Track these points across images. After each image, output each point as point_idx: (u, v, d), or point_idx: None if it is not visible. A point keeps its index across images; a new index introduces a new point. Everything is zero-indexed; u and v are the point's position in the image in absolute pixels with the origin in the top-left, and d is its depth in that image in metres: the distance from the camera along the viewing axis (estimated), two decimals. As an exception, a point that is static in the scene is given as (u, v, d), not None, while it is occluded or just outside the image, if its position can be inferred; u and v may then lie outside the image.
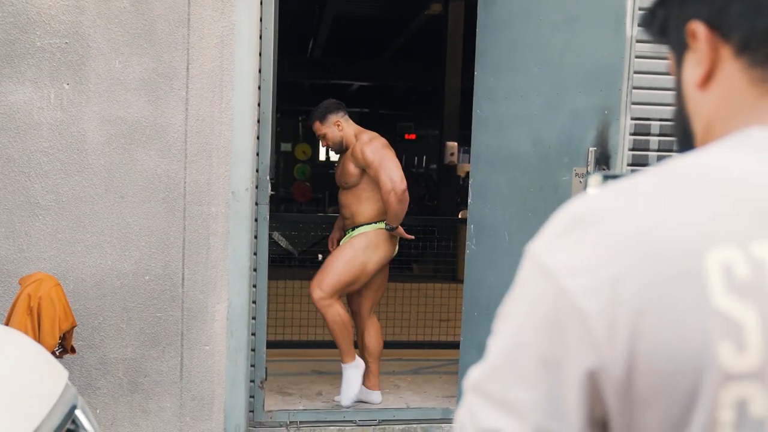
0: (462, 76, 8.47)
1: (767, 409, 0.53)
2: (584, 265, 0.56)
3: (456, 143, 8.67)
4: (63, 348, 2.77)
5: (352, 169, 3.70)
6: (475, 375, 0.61)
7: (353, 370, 3.71)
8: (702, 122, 0.67)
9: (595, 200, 0.59)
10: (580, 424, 0.56)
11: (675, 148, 0.74)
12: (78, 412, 1.57)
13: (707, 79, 0.65)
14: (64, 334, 2.74)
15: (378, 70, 12.02)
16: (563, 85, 2.82)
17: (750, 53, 0.62)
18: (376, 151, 3.60)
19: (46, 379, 1.58)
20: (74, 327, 2.82)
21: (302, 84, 12.77)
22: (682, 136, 0.71)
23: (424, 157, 15.12)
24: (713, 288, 0.53)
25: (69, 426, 1.51)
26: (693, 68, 0.66)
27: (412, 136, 15.64)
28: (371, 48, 11.11)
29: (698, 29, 0.64)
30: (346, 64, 11.76)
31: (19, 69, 3.00)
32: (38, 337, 2.60)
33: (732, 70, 0.63)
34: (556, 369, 0.56)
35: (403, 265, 6.67)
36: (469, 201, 3.42)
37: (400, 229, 3.70)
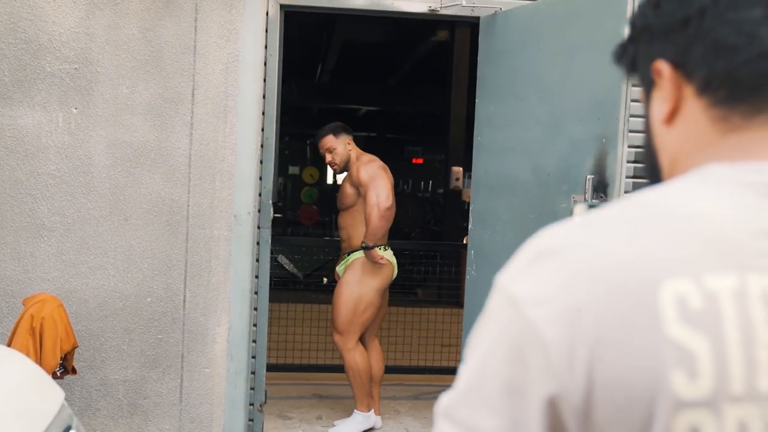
0: (467, 102, 8.54)
1: None
2: (547, 296, 0.58)
3: (461, 168, 8.71)
4: (64, 368, 2.80)
5: (348, 189, 3.76)
6: (445, 401, 0.64)
7: (361, 419, 3.72)
8: (667, 157, 0.69)
9: (560, 233, 0.62)
10: None
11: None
12: (73, 432, 1.59)
13: (672, 116, 0.67)
14: (65, 355, 2.77)
15: (385, 95, 12.12)
16: (562, 113, 2.85)
17: (710, 93, 0.65)
18: (371, 171, 3.68)
19: (42, 399, 1.60)
20: (75, 348, 2.85)
21: (310, 108, 12.89)
22: (650, 169, 0.74)
23: (431, 182, 15.17)
24: (667, 318, 0.56)
25: (64, 446, 1.53)
26: (659, 105, 0.68)
27: (420, 161, 15.71)
28: (379, 73, 11.21)
29: (663, 68, 0.66)
30: (353, 89, 11.86)
31: (29, 94, 3.06)
32: (40, 358, 2.63)
33: (694, 108, 0.66)
34: (519, 396, 0.58)
35: (407, 290, 6.68)
36: (469, 226, 3.45)
37: (375, 252, 3.63)
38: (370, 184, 3.62)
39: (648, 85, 0.70)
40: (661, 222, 0.59)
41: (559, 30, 2.91)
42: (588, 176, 2.66)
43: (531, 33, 3.05)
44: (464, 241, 4.04)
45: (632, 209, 0.62)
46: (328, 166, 3.91)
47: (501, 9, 3.30)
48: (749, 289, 0.56)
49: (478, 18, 3.40)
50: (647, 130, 0.72)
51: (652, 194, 0.63)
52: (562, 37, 2.87)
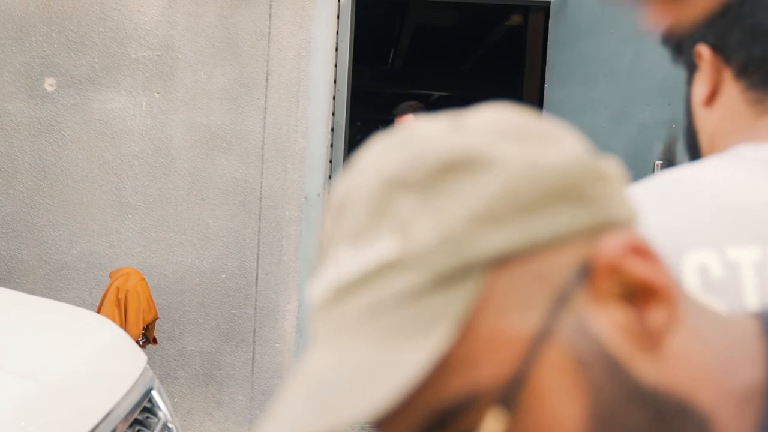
0: (540, 87, 8.42)
1: None
2: None
3: (533, 154, 8.59)
4: (146, 338, 2.98)
5: None
6: None
7: None
8: (706, 137, 0.72)
9: None
10: None
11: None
12: (154, 393, 1.72)
13: (711, 98, 0.70)
14: (147, 326, 2.95)
15: (459, 80, 12.06)
16: (631, 99, 2.82)
17: (747, 76, 0.67)
18: None
19: (127, 361, 1.74)
20: (156, 319, 3.03)
21: (383, 93, 12.97)
22: (691, 148, 0.77)
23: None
24: (689, 286, 0.60)
25: (146, 404, 1.66)
26: (700, 87, 0.71)
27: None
28: (452, 58, 11.16)
29: (704, 52, 0.69)
30: (426, 74, 11.85)
31: (116, 79, 3.25)
32: (124, 327, 2.82)
33: (732, 91, 0.69)
34: None
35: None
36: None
37: None
38: None
39: (691, 68, 0.73)
40: (688, 197, 0.63)
41: (630, 13, 2.87)
42: (657, 162, 2.63)
43: (601, 18, 3.02)
44: None
45: (664, 185, 0.66)
46: None
47: (572, -7, 3.27)
48: None
49: (549, 3, 3.38)
50: (688, 111, 0.75)
51: (683, 171, 0.66)
52: (633, 20, 2.84)
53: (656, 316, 0.37)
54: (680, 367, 0.38)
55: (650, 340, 0.37)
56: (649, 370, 0.37)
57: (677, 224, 0.62)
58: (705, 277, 0.59)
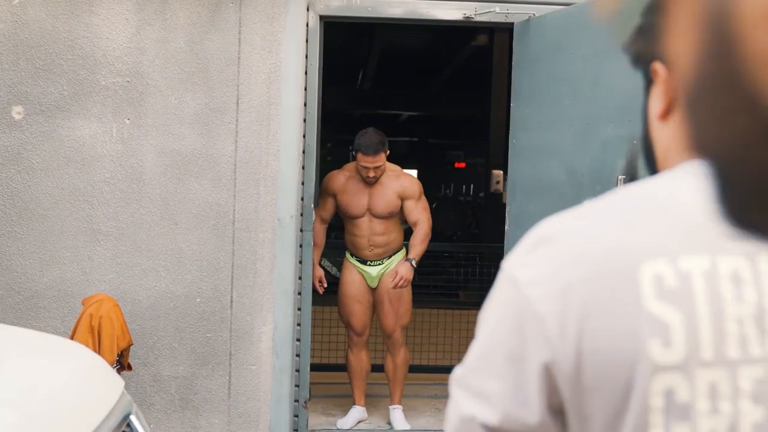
0: (507, 105, 8.55)
1: (690, 396, 0.63)
2: (543, 277, 0.68)
3: (501, 172, 8.73)
4: (120, 365, 2.96)
5: (394, 199, 3.87)
6: (458, 371, 0.74)
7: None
8: (661, 150, 0.77)
9: (556, 222, 0.71)
10: (540, 410, 0.67)
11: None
12: (132, 418, 1.73)
13: (666, 114, 0.75)
14: (121, 352, 2.93)
15: (427, 100, 12.19)
16: (594, 116, 2.91)
17: None
18: (417, 184, 3.94)
19: (103, 387, 1.74)
20: (131, 345, 3.01)
21: (352, 114, 13.04)
22: (647, 159, 0.82)
23: (472, 186, 15.17)
24: (645, 295, 0.64)
25: (124, 429, 1.66)
26: (656, 101, 0.76)
27: (462, 165, 15.73)
28: (420, 79, 11.30)
29: (659, 69, 0.74)
30: (395, 95, 11.97)
31: (86, 106, 3.25)
32: (98, 354, 2.80)
33: None
34: (520, 364, 0.68)
35: (449, 292, 6.74)
36: (506, 228, 3.52)
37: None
38: (422, 198, 3.85)
39: (648, 81, 0.78)
40: (642, 211, 0.68)
41: (590, 34, 2.97)
42: (620, 176, 2.71)
43: (563, 38, 3.12)
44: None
45: (619, 201, 0.71)
46: (365, 178, 3.81)
47: (534, 15, 3.36)
48: (719, 269, 0.65)
49: (512, 24, 3.47)
50: (645, 121, 0.80)
51: (638, 187, 0.72)
52: (593, 41, 2.93)
53: None
54: None
55: None
56: None
57: (635, 236, 0.67)
58: (660, 286, 0.64)
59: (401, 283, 3.77)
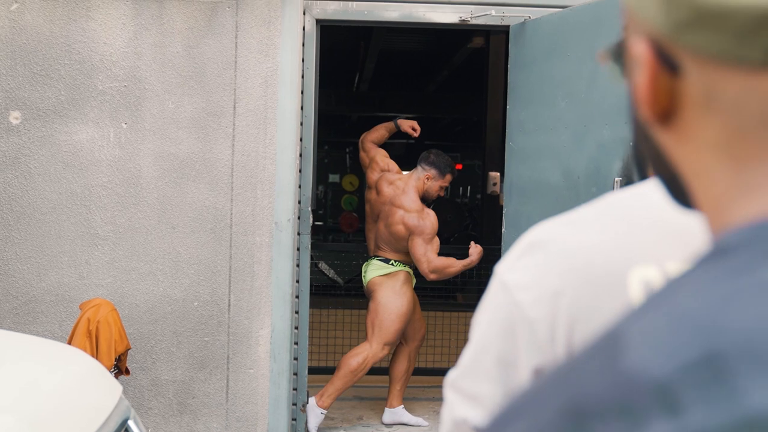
0: (503, 107, 8.57)
1: None
2: (533, 282, 0.69)
3: (498, 173, 8.74)
4: (118, 369, 2.97)
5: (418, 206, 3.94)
6: (452, 375, 0.74)
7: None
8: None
9: (545, 229, 0.72)
10: None
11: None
12: (131, 423, 1.73)
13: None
14: (119, 356, 2.94)
15: (423, 102, 12.21)
16: (590, 118, 2.92)
17: None
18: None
19: (101, 392, 1.74)
20: (129, 349, 3.01)
21: (349, 117, 13.06)
22: (636, 164, 0.83)
23: (469, 188, 15.19)
24: (634, 300, 0.65)
25: (122, 434, 1.67)
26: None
27: (459, 167, 15.76)
28: (416, 81, 11.31)
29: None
30: (391, 97, 11.98)
31: (83, 111, 3.26)
32: (96, 358, 2.80)
33: None
34: (511, 367, 0.68)
35: (447, 295, 6.74)
36: (503, 230, 3.53)
37: None
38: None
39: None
40: (630, 218, 0.69)
41: (585, 37, 2.99)
42: (616, 178, 2.72)
43: (559, 40, 3.13)
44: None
45: (609, 207, 0.71)
46: (437, 194, 4.00)
47: (530, 17, 3.38)
48: None
49: (508, 26, 3.48)
50: (634, 126, 0.81)
51: (625, 194, 0.73)
52: (588, 43, 2.95)
53: None
54: None
55: None
56: None
57: (624, 242, 0.67)
58: (648, 291, 0.65)
59: None
